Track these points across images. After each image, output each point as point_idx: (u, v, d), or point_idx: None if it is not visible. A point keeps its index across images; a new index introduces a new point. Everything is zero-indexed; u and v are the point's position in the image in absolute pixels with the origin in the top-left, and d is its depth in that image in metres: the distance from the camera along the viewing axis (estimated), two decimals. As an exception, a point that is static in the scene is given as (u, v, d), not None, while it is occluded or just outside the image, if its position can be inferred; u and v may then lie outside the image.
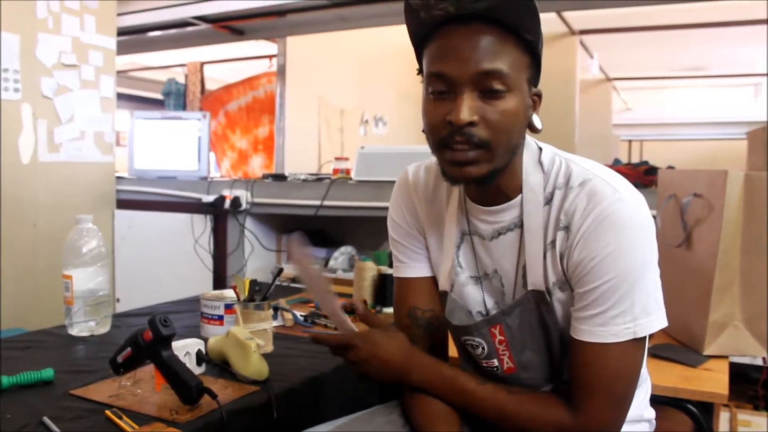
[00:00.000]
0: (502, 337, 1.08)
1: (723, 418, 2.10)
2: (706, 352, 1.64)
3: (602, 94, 7.61)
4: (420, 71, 1.01)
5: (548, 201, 1.02)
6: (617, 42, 5.64)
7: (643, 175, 2.65)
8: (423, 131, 1.01)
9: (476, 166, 0.96)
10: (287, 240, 1.26)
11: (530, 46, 0.96)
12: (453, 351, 1.24)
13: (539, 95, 1.02)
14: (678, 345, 1.73)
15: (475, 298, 1.13)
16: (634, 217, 0.95)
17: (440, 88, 0.96)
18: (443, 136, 0.96)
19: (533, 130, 1.02)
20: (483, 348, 1.10)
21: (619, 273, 0.94)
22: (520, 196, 1.05)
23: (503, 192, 1.05)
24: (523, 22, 0.92)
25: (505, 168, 1.00)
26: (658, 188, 1.93)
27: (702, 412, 1.48)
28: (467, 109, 0.92)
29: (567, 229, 0.99)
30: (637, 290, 0.95)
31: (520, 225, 1.05)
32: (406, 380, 1.08)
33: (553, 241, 1.01)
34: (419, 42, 1.01)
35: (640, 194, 0.99)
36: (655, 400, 1.22)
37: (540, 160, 1.05)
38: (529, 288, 1.04)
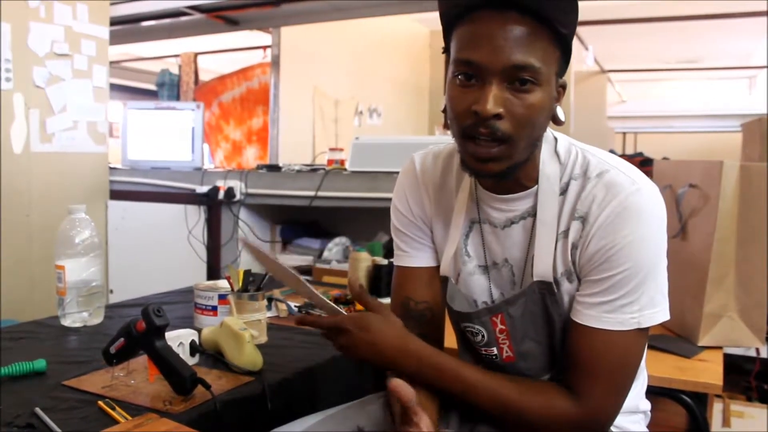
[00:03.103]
0: (503, 327, 1.07)
1: (716, 408, 2.11)
2: (701, 343, 1.64)
3: (597, 86, 7.62)
4: (446, 50, 0.99)
5: (563, 191, 1.02)
6: (612, 34, 5.63)
7: (638, 166, 2.65)
8: (442, 111, 1.00)
9: (498, 162, 0.95)
10: (243, 245, 1.20)
11: (563, 40, 0.94)
12: (449, 342, 1.23)
13: (564, 86, 1.00)
14: (673, 336, 1.74)
15: (482, 289, 1.12)
16: (652, 208, 0.95)
17: (468, 76, 0.93)
18: (467, 125, 0.94)
19: (557, 122, 1.01)
20: (483, 336, 1.09)
21: (636, 263, 0.94)
22: (536, 186, 1.04)
23: (520, 182, 1.04)
24: (559, 16, 0.90)
25: (526, 161, 0.99)
26: (654, 179, 1.92)
27: (696, 402, 1.48)
28: (494, 100, 0.90)
29: (583, 219, 0.98)
30: (649, 281, 0.95)
31: (533, 214, 1.04)
32: (399, 369, 1.04)
33: (566, 231, 1.00)
34: (449, 21, 0.97)
35: (656, 186, 0.99)
36: (650, 391, 1.22)
37: (556, 150, 1.04)
38: (535, 279, 1.03)
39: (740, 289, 1.64)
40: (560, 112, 0.99)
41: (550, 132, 1.07)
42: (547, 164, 1.03)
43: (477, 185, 1.10)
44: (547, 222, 1.02)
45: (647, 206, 0.95)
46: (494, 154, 0.94)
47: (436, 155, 1.17)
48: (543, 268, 1.02)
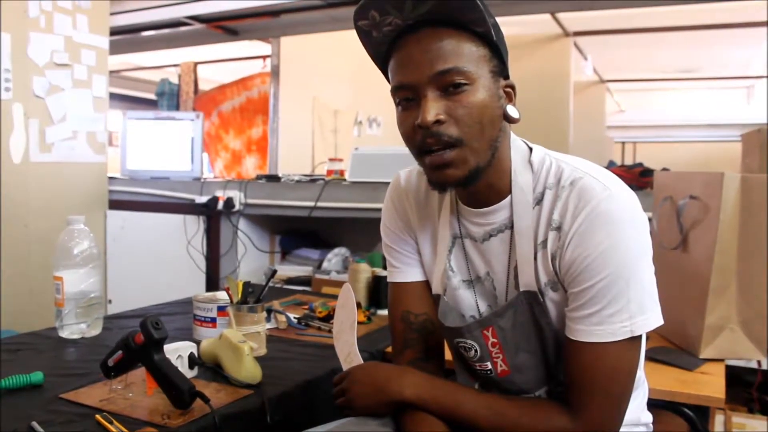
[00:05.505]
0: (495, 340, 1.07)
1: (717, 420, 2.10)
2: (703, 356, 1.63)
3: (596, 96, 7.63)
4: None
5: (539, 201, 1.02)
6: (611, 44, 5.64)
7: (638, 177, 2.65)
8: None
9: (455, 167, 0.97)
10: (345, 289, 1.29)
11: (484, 38, 0.97)
12: (449, 354, 1.23)
13: (512, 86, 1.02)
14: (674, 348, 1.73)
15: (469, 303, 1.13)
16: (625, 213, 0.94)
17: (405, 98, 0.98)
18: (418, 142, 0.98)
19: (510, 120, 1.02)
20: (476, 350, 1.09)
21: (614, 270, 0.93)
22: (510, 196, 1.04)
23: (494, 192, 1.05)
24: (467, 17, 0.94)
25: (490, 166, 1.00)
26: (654, 190, 1.92)
27: (697, 415, 1.47)
28: (431, 109, 0.94)
29: (559, 229, 0.98)
30: (632, 287, 0.94)
31: (510, 226, 1.05)
32: (400, 397, 1.06)
33: (544, 241, 1.00)
34: (382, 65, 1.04)
35: (631, 191, 0.98)
36: (652, 404, 1.22)
37: (530, 160, 1.05)
38: (522, 289, 1.04)
39: (742, 300, 1.64)
40: (512, 110, 1.01)
41: (525, 142, 1.09)
42: (519, 174, 1.04)
43: (457, 201, 1.12)
44: (523, 232, 1.02)
45: (620, 211, 0.94)
46: (448, 159, 0.96)
47: (420, 173, 1.19)
48: (527, 278, 1.03)
